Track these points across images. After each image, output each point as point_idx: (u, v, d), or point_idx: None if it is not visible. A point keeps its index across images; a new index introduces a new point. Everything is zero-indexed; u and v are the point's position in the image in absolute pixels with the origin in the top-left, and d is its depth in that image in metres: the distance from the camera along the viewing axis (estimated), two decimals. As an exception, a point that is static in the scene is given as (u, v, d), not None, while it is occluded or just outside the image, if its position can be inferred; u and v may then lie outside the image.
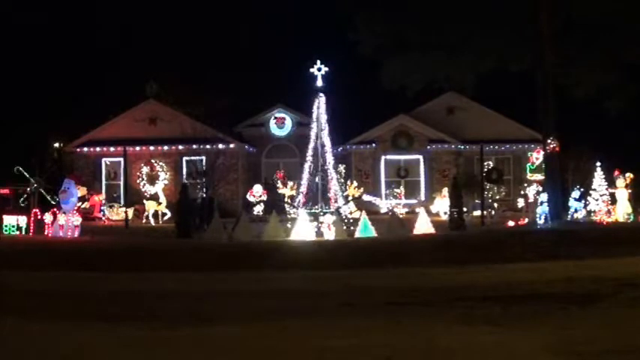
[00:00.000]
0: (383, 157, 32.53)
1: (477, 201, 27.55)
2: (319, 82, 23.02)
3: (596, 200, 25.27)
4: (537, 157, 28.76)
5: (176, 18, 37.27)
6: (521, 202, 29.82)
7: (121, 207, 28.34)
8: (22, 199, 25.71)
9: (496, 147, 31.44)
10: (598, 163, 25.59)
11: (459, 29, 25.88)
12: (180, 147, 29.10)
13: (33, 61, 36.54)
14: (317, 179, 22.62)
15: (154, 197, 28.52)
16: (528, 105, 28.35)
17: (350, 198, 25.07)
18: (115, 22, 37.79)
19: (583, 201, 25.63)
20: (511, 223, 23.89)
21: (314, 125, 23.06)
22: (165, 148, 30.32)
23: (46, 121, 33.15)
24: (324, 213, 21.62)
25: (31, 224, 21.73)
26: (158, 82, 31.17)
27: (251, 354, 6.73)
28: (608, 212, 25.03)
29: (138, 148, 30.08)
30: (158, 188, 28.79)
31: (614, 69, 25.83)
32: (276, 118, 33.02)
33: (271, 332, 7.55)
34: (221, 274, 13.32)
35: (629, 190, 25.37)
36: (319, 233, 20.54)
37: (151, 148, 30.51)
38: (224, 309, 9.22)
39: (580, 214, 25.42)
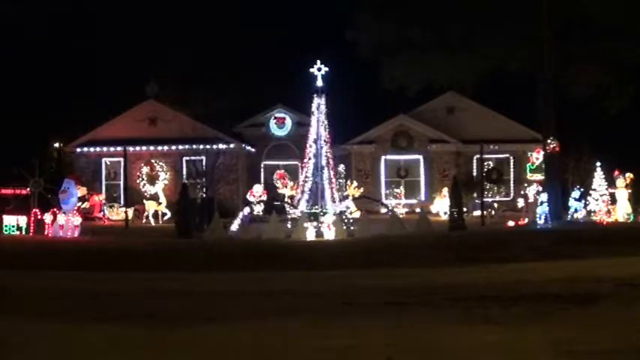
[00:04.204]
0: (383, 157, 32.52)
1: (477, 201, 27.56)
2: (319, 82, 22.99)
3: (596, 200, 25.26)
4: (537, 157, 28.76)
5: (176, 18, 37.25)
6: (521, 202, 29.83)
7: (121, 207, 28.33)
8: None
9: (496, 147, 31.42)
10: (598, 163, 25.58)
11: (459, 29, 25.89)
12: (180, 147, 29.11)
13: (33, 61, 36.53)
14: (317, 179, 22.60)
15: (154, 197, 28.54)
16: (528, 105, 28.36)
17: (350, 198, 25.07)
18: (115, 21, 37.78)
19: (583, 201, 25.62)
20: (511, 223, 23.89)
21: (314, 125, 23.05)
22: (165, 148, 30.31)
23: (46, 121, 33.15)
24: (324, 213, 21.61)
25: (31, 224, 21.72)
26: (158, 82, 31.16)
27: (251, 354, 6.73)
28: (608, 212, 25.02)
29: (138, 148, 30.05)
30: (158, 188, 28.80)
31: (614, 69, 25.84)
32: (276, 118, 33.00)
33: (271, 332, 7.55)
34: (221, 274, 13.33)
35: (629, 190, 25.36)
36: (319, 233, 20.53)
37: (151, 148, 30.48)
38: (224, 309, 9.22)
39: (580, 214, 25.41)
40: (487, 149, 28.34)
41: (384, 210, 27.11)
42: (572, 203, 25.64)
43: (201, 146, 28.09)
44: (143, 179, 29.34)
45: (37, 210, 22.15)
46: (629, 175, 25.50)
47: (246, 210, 23.47)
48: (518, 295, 9.66)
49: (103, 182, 31.08)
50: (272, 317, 8.45)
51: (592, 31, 25.13)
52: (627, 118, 28.91)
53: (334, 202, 22.61)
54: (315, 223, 20.89)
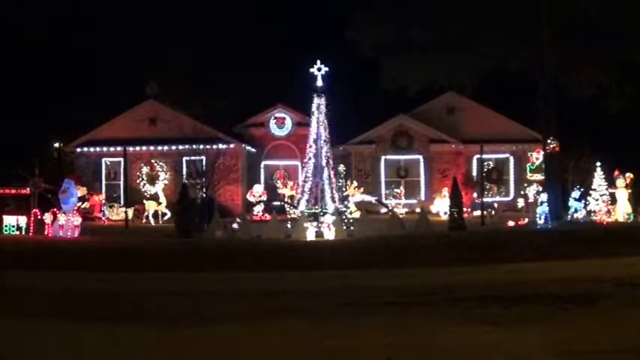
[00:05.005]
0: (383, 157, 32.52)
1: (477, 201, 27.56)
2: (319, 82, 23.01)
3: (596, 200, 25.26)
4: (537, 157, 28.78)
5: (176, 18, 37.26)
6: (521, 202, 29.85)
7: (121, 207, 28.34)
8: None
9: (496, 147, 31.42)
10: (598, 163, 25.58)
11: (459, 29, 25.90)
12: (180, 147, 29.09)
13: (33, 61, 36.54)
14: (317, 179, 22.60)
15: (154, 197, 28.55)
16: (528, 105, 28.36)
17: (350, 198, 25.07)
18: (115, 21, 37.79)
19: (583, 201, 25.61)
20: (511, 223, 23.89)
21: (314, 125, 23.05)
22: (165, 148, 30.30)
23: (46, 121, 33.15)
24: (324, 213, 21.61)
25: (31, 224, 21.72)
26: (158, 82, 31.15)
27: (251, 354, 6.73)
28: (608, 212, 25.02)
29: (138, 148, 30.06)
30: (158, 188, 28.81)
31: (614, 69, 25.84)
32: (276, 118, 33.01)
33: (271, 332, 7.55)
34: (221, 274, 13.33)
35: (629, 190, 25.35)
36: (319, 233, 20.52)
37: (151, 148, 30.49)
38: (224, 309, 9.22)
39: (580, 214, 25.41)
40: (487, 149, 28.32)
41: (384, 210, 27.11)
42: (572, 203, 25.64)
43: (201, 146, 28.08)
44: (143, 179, 29.35)
45: (37, 210, 22.16)
46: (629, 175, 25.49)
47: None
48: (518, 295, 9.66)
49: (103, 182, 31.09)
50: (272, 317, 8.45)
51: (592, 31, 25.13)
52: (627, 118, 28.91)
53: (334, 202, 22.61)
54: (315, 223, 20.89)
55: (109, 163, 31.19)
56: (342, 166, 26.11)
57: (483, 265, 13.68)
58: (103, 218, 28.34)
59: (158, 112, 31.09)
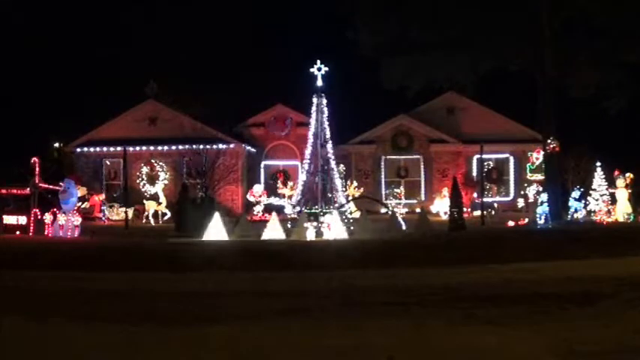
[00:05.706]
0: (383, 157, 32.54)
1: (476, 201, 27.54)
2: (319, 82, 23.00)
3: (596, 200, 25.26)
4: (537, 157, 28.77)
5: (176, 18, 37.30)
6: (521, 202, 29.85)
7: (121, 207, 28.35)
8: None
9: (496, 147, 31.43)
10: (598, 163, 25.58)
11: (459, 29, 25.85)
12: (180, 147, 29.12)
13: (33, 62, 36.57)
14: (317, 179, 22.59)
15: (154, 197, 28.56)
16: (528, 105, 28.36)
17: (350, 198, 25.05)
18: (115, 22, 37.83)
19: (583, 201, 25.61)
20: (511, 223, 23.89)
21: (314, 125, 23.05)
22: (165, 148, 30.33)
23: (46, 121, 33.18)
24: (324, 213, 21.60)
25: (31, 224, 21.72)
26: (158, 82, 31.17)
27: (251, 354, 6.73)
28: (608, 212, 25.01)
29: (138, 148, 30.08)
30: (158, 188, 28.82)
31: (614, 69, 25.81)
32: (276, 118, 33.02)
33: (271, 332, 7.55)
34: (221, 274, 13.32)
35: (629, 190, 25.35)
36: (319, 233, 20.51)
37: (151, 148, 30.52)
38: (224, 309, 9.21)
39: (580, 214, 25.40)
40: (487, 149, 28.31)
41: (383, 210, 27.11)
42: (572, 203, 25.63)
43: (201, 146, 28.10)
44: (143, 179, 29.36)
45: (37, 210, 22.15)
46: (629, 175, 25.48)
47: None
48: (519, 295, 9.66)
49: (103, 182, 31.10)
50: (272, 317, 8.45)
51: (592, 31, 25.11)
52: (627, 118, 28.90)
53: (334, 202, 22.60)
54: (315, 223, 20.87)
55: (109, 163, 31.22)
56: (342, 166, 26.12)
57: (483, 265, 13.67)
58: (103, 218, 28.36)
59: (158, 112, 31.11)
